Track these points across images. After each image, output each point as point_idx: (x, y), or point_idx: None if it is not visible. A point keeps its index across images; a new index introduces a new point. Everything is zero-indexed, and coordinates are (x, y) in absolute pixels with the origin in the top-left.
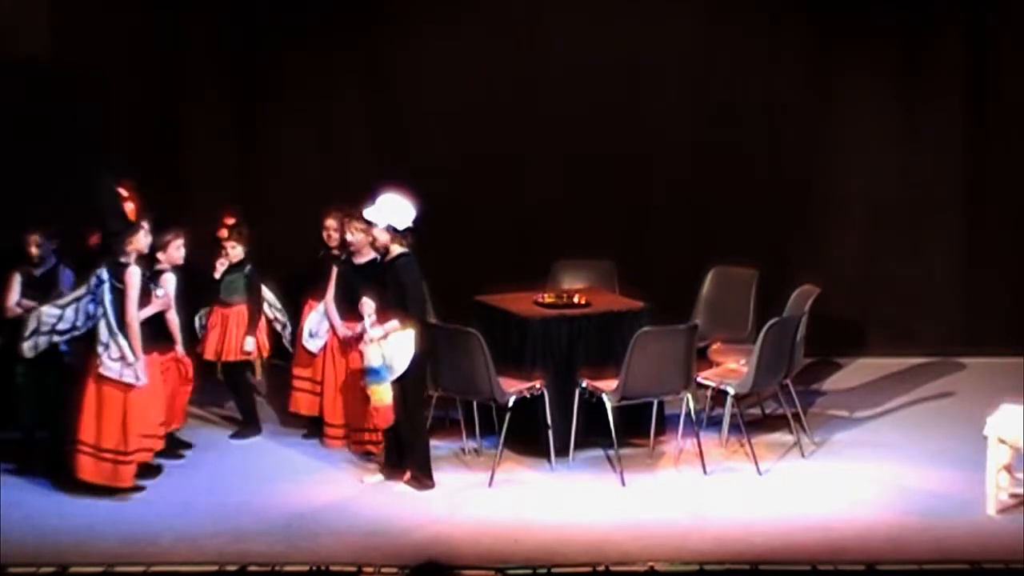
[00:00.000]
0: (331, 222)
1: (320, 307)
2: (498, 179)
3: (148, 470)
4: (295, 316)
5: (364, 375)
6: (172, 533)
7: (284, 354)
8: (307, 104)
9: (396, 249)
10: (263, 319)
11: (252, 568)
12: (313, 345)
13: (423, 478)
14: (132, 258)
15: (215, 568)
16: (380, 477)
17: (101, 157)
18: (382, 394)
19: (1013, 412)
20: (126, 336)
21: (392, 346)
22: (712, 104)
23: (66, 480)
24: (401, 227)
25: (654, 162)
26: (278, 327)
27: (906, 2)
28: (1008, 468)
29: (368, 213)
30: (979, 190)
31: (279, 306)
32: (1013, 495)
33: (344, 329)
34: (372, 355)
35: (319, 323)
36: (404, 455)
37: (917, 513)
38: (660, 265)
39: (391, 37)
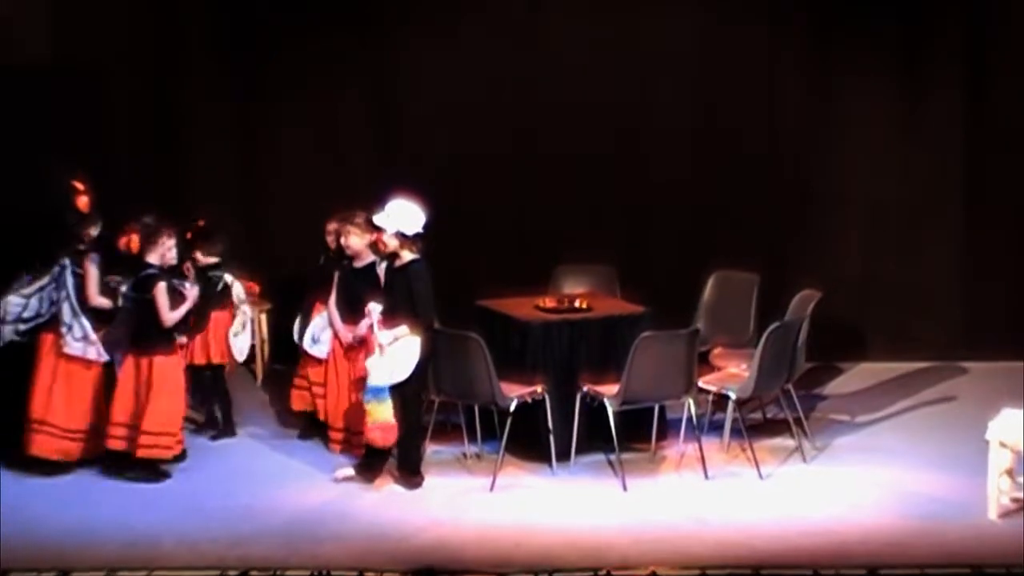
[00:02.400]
0: (334, 227)
1: (325, 312)
2: (499, 183)
3: (156, 472)
4: (303, 320)
5: (365, 392)
6: (173, 537)
7: (286, 358)
8: (307, 105)
9: (407, 255)
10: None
11: (253, 572)
12: (318, 351)
13: (412, 476)
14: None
15: (217, 572)
16: (351, 472)
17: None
18: (383, 413)
19: (1014, 416)
20: (88, 317)
21: (398, 351)
22: (712, 107)
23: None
24: (411, 233)
25: (655, 166)
26: (238, 325)
27: (906, 2)
28: (1010, 472)
29: (378, 219)
30: (979, 191)
31: (246, 300)
32: (1014, 499)
33: (346, 333)
34: (376, 372)
35: (323, 329)
36: (398, 455)
37: (918, 517)
38: (661, 270)
39: (391, 38)
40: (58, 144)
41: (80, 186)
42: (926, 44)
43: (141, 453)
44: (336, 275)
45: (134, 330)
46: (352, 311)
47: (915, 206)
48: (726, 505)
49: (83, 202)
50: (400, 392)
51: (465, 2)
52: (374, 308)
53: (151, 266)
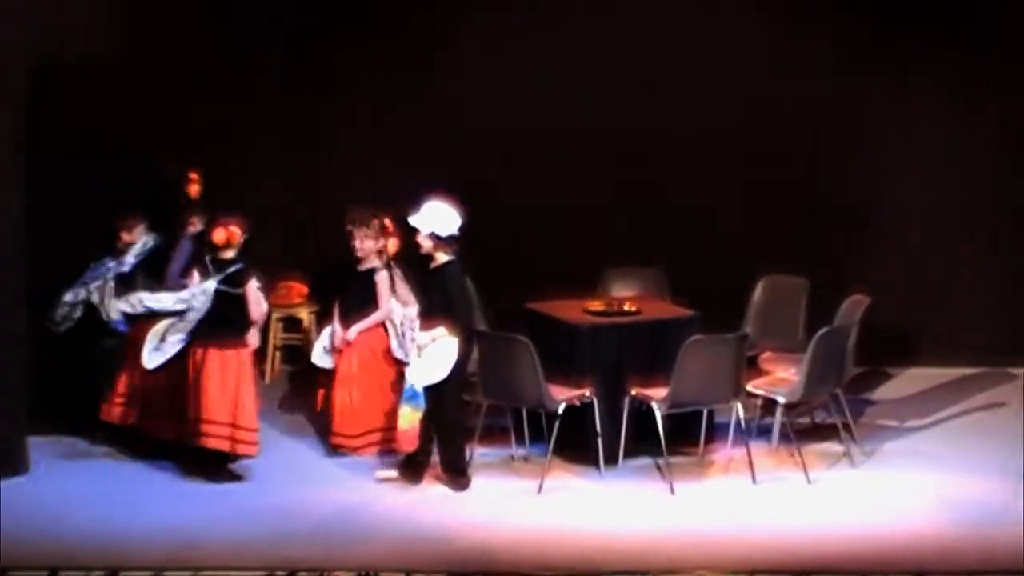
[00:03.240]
0: (349, 227)
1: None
2: (548, 185)
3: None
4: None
5: (402, 396)
6: (220, 537)
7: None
8: (358, 105)
9: (442, 257)
10: None
11: (300, 573)
12: (326, 362)
13: (458, 476)
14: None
15: (263, 573)
16: (394, 473)
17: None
18: (412, 418)
19: None
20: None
21: (435, 352)
22: (763, 110)
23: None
24: (444, 234)
25: (705, 169)
26: None
27: (957, 6)
28: None
29: (412, 220)
30: None
31: None
32: None
33: (341, 334)
34: (414, 374)
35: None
36: (440, 455)
37: (966, 523)
38: (710, 273)
39: (442, 39)
40: (110, 140)
41: (194, 176)
42: (978, 49)
43: (241, 450)
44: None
45: (218, 323)
46: (344, 315)
47: (965, 211)
48: (774, 510)
49: (194, 190)
50: (439, 393)
51: (517, 3)
52: (412, 312)
53: (236, 261)
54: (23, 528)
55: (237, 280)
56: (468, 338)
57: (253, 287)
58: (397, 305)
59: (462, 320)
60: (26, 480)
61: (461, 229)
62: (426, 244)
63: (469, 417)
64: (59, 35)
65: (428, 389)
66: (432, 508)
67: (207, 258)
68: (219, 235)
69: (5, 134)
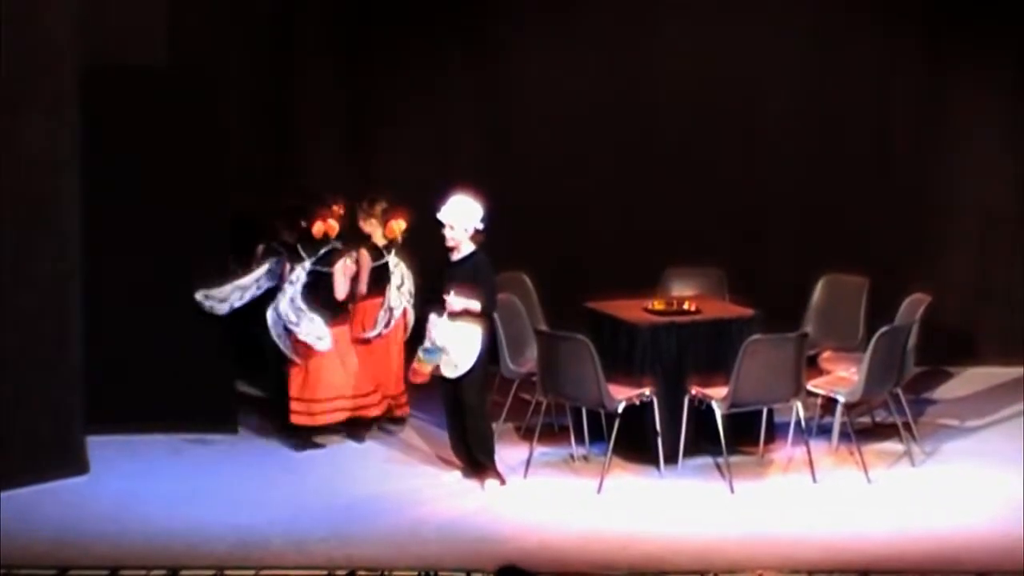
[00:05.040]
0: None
1: None
2: (608, 185)
3: None
4: None
5: (420, 352)
6: (282, 537)
7: None
8: (417, 106)
9: (467, 248)
10: None
11: (361, 572)
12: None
13: (485, 471)
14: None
15: (324, 572)
16: (459, 475)
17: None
18: (429, 365)
19: None
20: None
21: (460, 343)
22: (823, 111)
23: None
24: (471, 227)
25: (765, 169)
26: None
27: (1020, 3)
28: None
29: (439, 215)
30: None
31: None
32: None
33: None
34: (435, 335)
35: None
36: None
37: None
38: (770, 273)
39: (502, 40)
40: (174, 143)
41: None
42: None
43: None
44: None
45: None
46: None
47: None
48: (834, 509)
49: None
50: (462, 385)
51: (577, 6)
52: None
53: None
54: (83, 528)
55: (328, 260)
56: (491, 329)
57: (340, 267)
58: (393, 291)
59: (487, 310)
60: (86, 480)
61: (513, 229)
62: (452, 237)
63: (492, 409)
64: (113, 37)
65: (454, 381)
66: (491, 507)
67: (298, 246)
68: (318, 228)
69: (64, 138)
